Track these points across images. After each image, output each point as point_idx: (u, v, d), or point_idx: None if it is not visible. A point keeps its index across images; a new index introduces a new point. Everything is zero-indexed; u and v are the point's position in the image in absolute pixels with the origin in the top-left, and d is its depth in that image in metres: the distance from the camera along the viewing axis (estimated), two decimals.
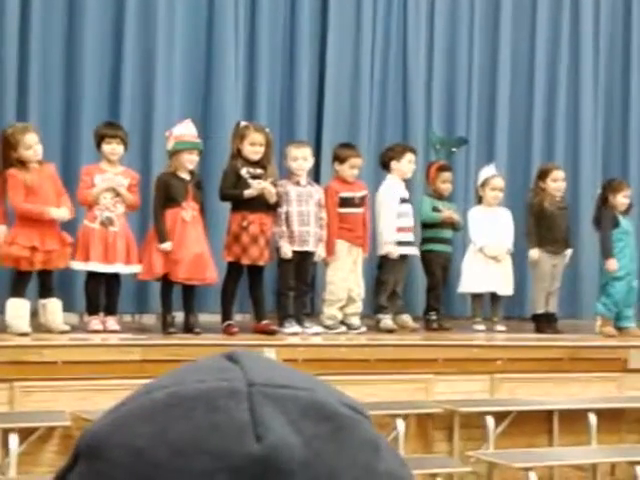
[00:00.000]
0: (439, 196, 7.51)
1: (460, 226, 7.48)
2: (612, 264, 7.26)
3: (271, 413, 0.59)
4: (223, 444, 0.58)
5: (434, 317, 7.32)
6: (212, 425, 0.58)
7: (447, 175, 7.57)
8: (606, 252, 7.34)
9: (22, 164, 5.93)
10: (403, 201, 7.14)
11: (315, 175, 7.13)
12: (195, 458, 0.57)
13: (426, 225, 7.40)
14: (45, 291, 6.05)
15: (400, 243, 7.05)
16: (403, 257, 7.13)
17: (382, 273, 7.13)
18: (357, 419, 0.62)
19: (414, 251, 7.21)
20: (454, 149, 8.09)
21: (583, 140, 8.75)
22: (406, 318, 7.31)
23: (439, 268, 7.39)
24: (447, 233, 7.44)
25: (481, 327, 7.36)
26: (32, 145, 5.95)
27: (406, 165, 7.18)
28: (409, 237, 7.13)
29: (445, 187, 7.54)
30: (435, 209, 7.41)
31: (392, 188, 7.12)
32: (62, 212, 5.99)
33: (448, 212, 7.39)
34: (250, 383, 0.60)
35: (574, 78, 8.76)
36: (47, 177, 6.05)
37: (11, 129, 6.05)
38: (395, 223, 7.02)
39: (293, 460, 0.57)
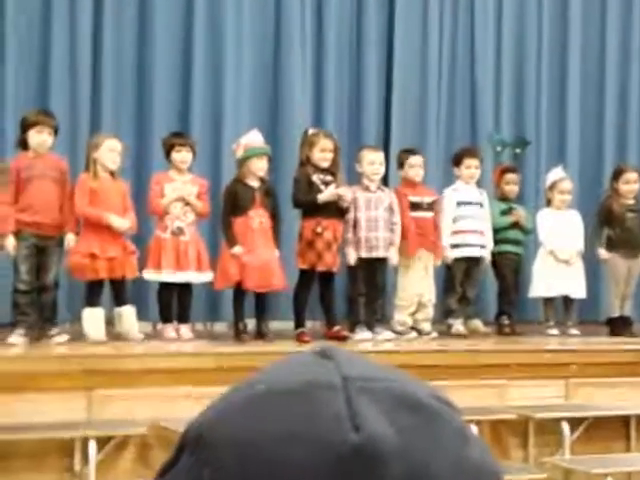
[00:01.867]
0: (505, 198, 7.45)
1: (529, 229, 7.41)
2: None
3: (366, 404, 0.61)
4: (323, 434, 0.60)
5: (506, 322, 7.25)
6: (311, 416, 0.60)
7: (511, 177, 7.49)
8: None
9: (94, 171, 6.05)
10: (466, 204, 7.09)
11: (384, 181, 7.11)
12: (296, 447, 0.59)
13: (495, 228, 7.35)
14: (118, 300, 6.13)
15: (456, 246, 6.98)
16: (468, 260, 7.06)
17: (448, 275, 7.11)
18: (446, 410, 0.64)
19: (476, 253, 7.07)
20: (518, 150, 8.01)
21: None
22: (477, 323, 7.26)
23: (510, 271, 7.33)
24: (517, 235, 7.37)
25: (554, 331, 7.28)
26: (113, 150, 6.08)
27: (465, 170, 7.15)
28: (471, 240, 7.04)
29: (509, 189, 7.47)
30: (504, 212, 7.35)
31: (450, 192, 7.08)
32: (122, 222, 6.04)
33: (517, 213, 7.32)
34: (344, 376, 0.62)
35: None
36: (116, 190, 6.14)
37: (100, 134, 6.27)
38: (450, 227, 6.97)
39: (389, 449, 0.59)
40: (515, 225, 7.34)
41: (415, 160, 6.90)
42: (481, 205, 7.18)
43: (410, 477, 0.59)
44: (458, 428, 0.64)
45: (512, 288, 7.36)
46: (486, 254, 7.17)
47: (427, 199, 6.90)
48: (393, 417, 0.61)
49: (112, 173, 6.15)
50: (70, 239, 6.02)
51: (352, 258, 6.52)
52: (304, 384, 0.62)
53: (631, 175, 7.42)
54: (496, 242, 7.33)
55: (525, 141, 8.10)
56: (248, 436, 0.61)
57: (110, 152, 6.09)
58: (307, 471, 0.59)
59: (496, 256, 7.33)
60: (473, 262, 7.12)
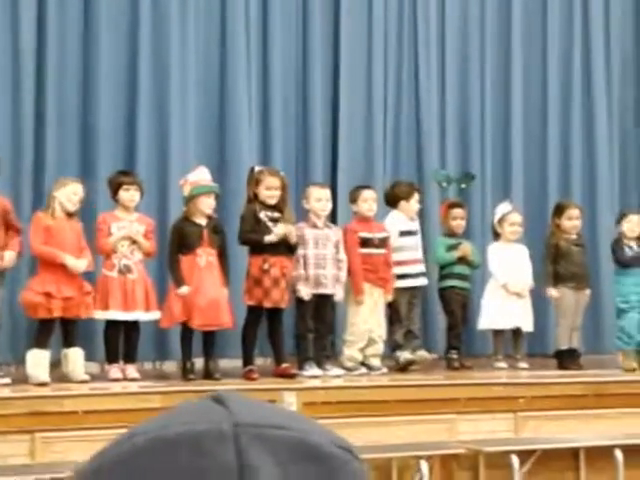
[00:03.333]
0: (452, 234, 7.50)
1: (476, 263, 7.44)
2: None
3: (259, 455, 0.57)
4: None
5: (455, 356, 7.27)
6: (198, 469, 0.57)
7: (458, 212, 7.54)
8: None
9: (53, 208, 6.02)
10: (406, 234, 7.12)
11: (332, 218, 7.12)
12: None
13: (441, 263, 7.38)
14: (67, 341, 6.06)
15: (400, 277, 7.00)
16: (410, 290, 7.07)
17: (391, 309, 7.10)
18: (348, 460, 0.61)
19: (418, 282, 7.12)
20: (463, 185, 8.07)
21: (600, 175, 8.71)
22: (423, 353, 7.22)
23: (458, 306, 7.35)
24: (463, 269, 7.40)
25: (503, 364, 7.30)
26: (76, 194, 6.10)
27: (414, 205, 7.21)
28: (412, 269, 7.07)
29: (456, 224, 7.51)
30: (451, 247, 7.38)
31: (392, 222, 7.10)
32: (78, 263, 6.00)
33: (463, 248, 7.35)
34: (237, 424, 0.59)
35: (588, 112, 8.76)
36: (71, 229, 6.10)
37: (68, 177, 6.28)
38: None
39: None
40: (461, 260, 7.38)
41: (368, 194, 6.94)
42: (416, 234, 7.21)
43: None
44: (360, 477, 0.62)
45: (460, 322, 7.38)
46: (426, 281, 7.19)
47: (378, 235, 6.91)
48: (289, 469, 0.58)
49: (69, 214, 6.12)
50: (9, 254, 5.90)
51: (305, 293, 6.49)
52: (191, 433, 0.59)
53: (573, 211, 7.47)
54: (443, 277, 7.38)
55: (470, 175, 8.15)
56: None
57: (73, 195, 6.11)
58: None
59: (443, 291, 7.37)
60: (416, 291, 7.14)
